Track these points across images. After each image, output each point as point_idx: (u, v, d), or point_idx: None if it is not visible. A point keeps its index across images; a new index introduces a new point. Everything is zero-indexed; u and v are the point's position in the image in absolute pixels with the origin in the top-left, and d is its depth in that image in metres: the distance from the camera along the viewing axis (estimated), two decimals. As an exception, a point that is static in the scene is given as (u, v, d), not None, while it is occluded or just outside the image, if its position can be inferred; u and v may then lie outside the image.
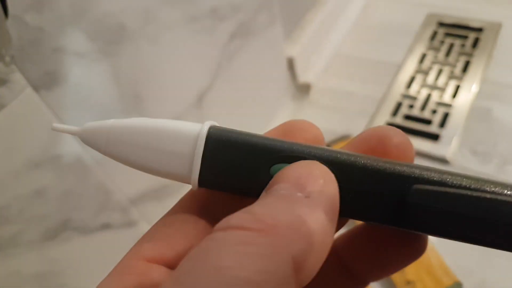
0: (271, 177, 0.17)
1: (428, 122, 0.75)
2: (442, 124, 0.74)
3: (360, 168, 0.18)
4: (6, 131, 0.35)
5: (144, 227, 0.51)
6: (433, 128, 0.74)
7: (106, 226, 0.46)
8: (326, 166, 0.17)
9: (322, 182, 0.16)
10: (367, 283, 0.21)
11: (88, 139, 0.19)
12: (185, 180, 0.19)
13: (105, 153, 0.19)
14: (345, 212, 0.18)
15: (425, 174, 0.17)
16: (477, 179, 0.17)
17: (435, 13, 0.94)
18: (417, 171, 0.17)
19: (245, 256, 0.13)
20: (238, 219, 0.15)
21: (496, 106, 0.75)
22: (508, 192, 0.16)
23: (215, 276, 0.13)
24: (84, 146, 0.41)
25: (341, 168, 0.18)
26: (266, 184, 0.17)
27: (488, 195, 0.16)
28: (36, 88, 0.36)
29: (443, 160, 0.70)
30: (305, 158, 0.18)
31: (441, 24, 0.92)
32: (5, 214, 0.36)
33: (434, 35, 0.90)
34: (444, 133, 0.73)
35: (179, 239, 0.18)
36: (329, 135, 0.77)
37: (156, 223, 0.19)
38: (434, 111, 0.77)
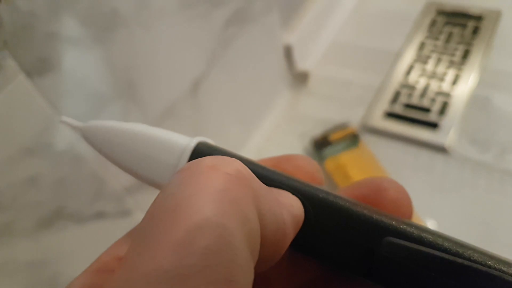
0: None
1: (427, 110, 0.75)
2: (441, 112, 0.74)
3: (336, 209, 0.17)
4: (-1, 118, 0.34)
5: (139, 216, 0.51)
6: (432, 117, 0.74)
7: (100, 215, 0.46)
8: (305, 200, 0.17)
9: (294, 203, 0.17)
10: None
11: (88, 136, 0.20)
12: None
13: (100, 151, 0.20)
14: (313, 251, 0.18)
15: (402, 227, 0.16)
16: (457, 243, 0.16)
17: (434, 1, 0.93)
18: (394, 223, 0.17)
19: (223, 204, 0.13)
20: (212, 159, 0.14)
21: (495, 95, 0.74)
22: (489, 263, 0.15)
23: (201, 225, 0.12)
24: (77, 134, 0.40)
25: (317, 205, 0.17)
26: None
27: (465, 262, 0.15)
28: (29, 74, 0.36)
29: (442, 149, 0.69)
30: (285, 186, 0.18)
31: (440, 12, 0.91)
32: (-2, 202, 0.36)
33: (433, 23, 0.89)
34: (443, 121, 0.72)
35: None
36: (327, 124, 0.76)
37: (132, 229, 0.19)
38: (433, 100, 0.76)
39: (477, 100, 0.75)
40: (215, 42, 0.59)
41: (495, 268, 0.15)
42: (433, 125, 0.73)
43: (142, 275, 0.12)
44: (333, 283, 0.20)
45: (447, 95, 0.76)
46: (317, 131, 0.76)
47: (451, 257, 0.15)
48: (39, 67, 0.37)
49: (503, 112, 0.72)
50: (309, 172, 0.20)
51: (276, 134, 0.79)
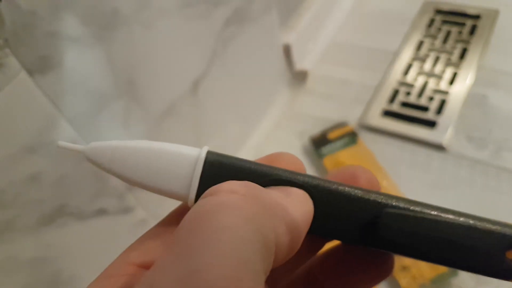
0: None
1: (425, 109, 0.75)
2: (439, 111, 0.74)
3: (339, 194, 0.20)
4: (1, 116, 0.35)
5: (140, 214, 0.51)
6: (429, 115, 0.74)
7: (102, 212, 0.46)
8: (310, 190, 0.20)
9: (303, 199, 0.19)
10: None
11: (93, 157, 0.21)
12: (182, 198, 0.20)
13: (108, 170, 0.21)
14: (324, 231, 0.21)
15: (394, 201, 0.20)
16: (437, 207, 0.20)
17: (432, 0, 0.94)
18: (387, 198, 0.20)
19: (240, 219, 0.15)
20: (229, 184, 0.17)
21: (492, 93, 0.75)
22: (461, 219, 0.19)
23: (219, 234, 0.14)
24: (79, 132, 0.41)
25: (323, 193, 0.20)
26: None
27: (446, 219, 0.19)
28: (30, 73, 0.36)
29: (439, 147, 0.70)
30: (292, 182, 0.20)
31: (438, 11, 0.91)
32: (0, 199, 0.36)
33: (431, 22, 0.90)
34: (441, 120, 0.73)
35: None
36: (325, 122, 0.77)
37: (144, 234, 0.20)
38: (431, 98, 0.77)
39: (474, 99, 0.75)
40: (215, 41, 0.59)
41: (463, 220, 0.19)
42: (430, 123, 0.73)
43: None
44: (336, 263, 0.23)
45: (444, 93, 0.77)
46: (316, 129, 0.76)
47: (432, 216, 0.19)
48: (41, 65, 0.37)
49: (499, 110, 0.72)
50: (297, 165, 0.22)
51: (275, 132, 0.80)
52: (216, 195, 0.16)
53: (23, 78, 0.36)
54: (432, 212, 0.19)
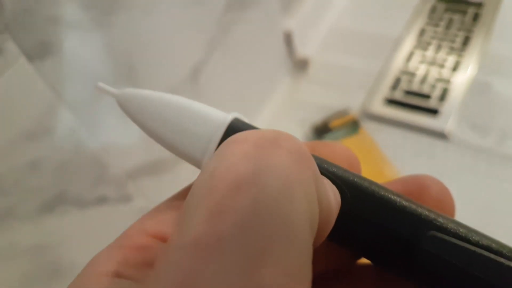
0: None
1: (427, 96, 0.75)
2: (441, 98, 0.74)
3: (378, 197, 0.17)
4: (0, 102, 0.34)
5: (140, 202, 0.51)
6: (432, 103, 0.74)
7: (102, 200, 0.46)
8: (345, 188, 0.17)
9: (336, 191, 0.16)
10: None
11: (123, 103, 0.20)
12: (197, 163, 0.19)
13: (134, 119, 0.20)
14: (348, 241, 0.17)
15: (449, 225, 0.16)
16: (501, 244, 0.16)
17: (435, -13, 0.93)
18: (440, 219, 0.16)
19: (291, 185, 0.12)
20: (269, 132, 0.14)
21: (495, 81, 0.74)
22: None
23: (266, 204, 0.12)
24: (79, 118, 0.40)
25: (358, 192, 0.17)
26: None
27: (506, 262, 0.15)
28: (30, 58, 0.36)
29: (442, 135, 0.69)
30: (323, 173, 0.17)
31: (441, -1, 0.91)
32: (0, 186, 0.36)
33: (433, 10, 0.89)
34: (443, 107, 0.72)
35: None
36: (327, 110, 0.76)
37: (161, 204, 0.19)
38: (433, 86, 0.76)
39: (477, 86, 0.75)
40: (215, 27, 0.58)
41: None
42: (433, 111, 0.73)
43: (184, 245, 0.11)
44: (353, 276, 0.20)
45: (447, 81, 0.76)
46: (317, 117, 0.76)
47: (497, 258, 0.15)
48: (40, 51, 0.37)
49: (503, 97, 0.72)
50: (347, 159, 0.19)
51: (276, 120, 0.79)
52: (256, 145, 0.13)
53: (22, 63, 0.35)
54: (493, 247, 0.15)
